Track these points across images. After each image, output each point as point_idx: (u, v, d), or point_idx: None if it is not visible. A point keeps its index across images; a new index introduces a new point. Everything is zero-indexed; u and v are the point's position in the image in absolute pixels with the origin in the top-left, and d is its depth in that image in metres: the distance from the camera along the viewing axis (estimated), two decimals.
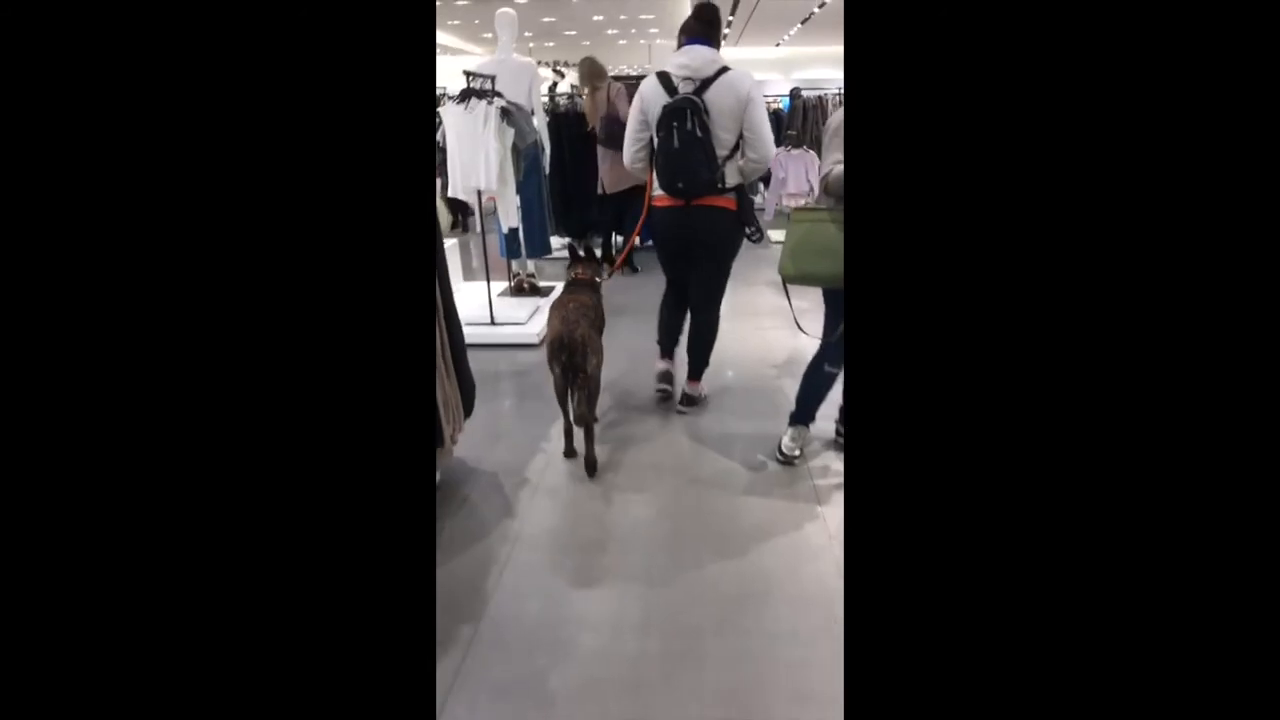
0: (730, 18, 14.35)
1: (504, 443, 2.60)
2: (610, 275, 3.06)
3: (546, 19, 16.12)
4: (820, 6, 13.17)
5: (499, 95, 3.57)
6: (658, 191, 2.50)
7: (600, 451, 2.48)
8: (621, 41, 20.81)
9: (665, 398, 2.87)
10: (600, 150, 4.84)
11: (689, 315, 2.77)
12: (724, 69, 2.36)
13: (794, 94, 7.75)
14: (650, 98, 2.41)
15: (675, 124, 2.32)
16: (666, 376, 2.90)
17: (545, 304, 4.09)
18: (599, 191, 5.03)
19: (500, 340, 3.67)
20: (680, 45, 2.43)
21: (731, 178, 2.45)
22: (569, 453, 2.47)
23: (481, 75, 3.72)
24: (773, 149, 2.50)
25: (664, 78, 2.39)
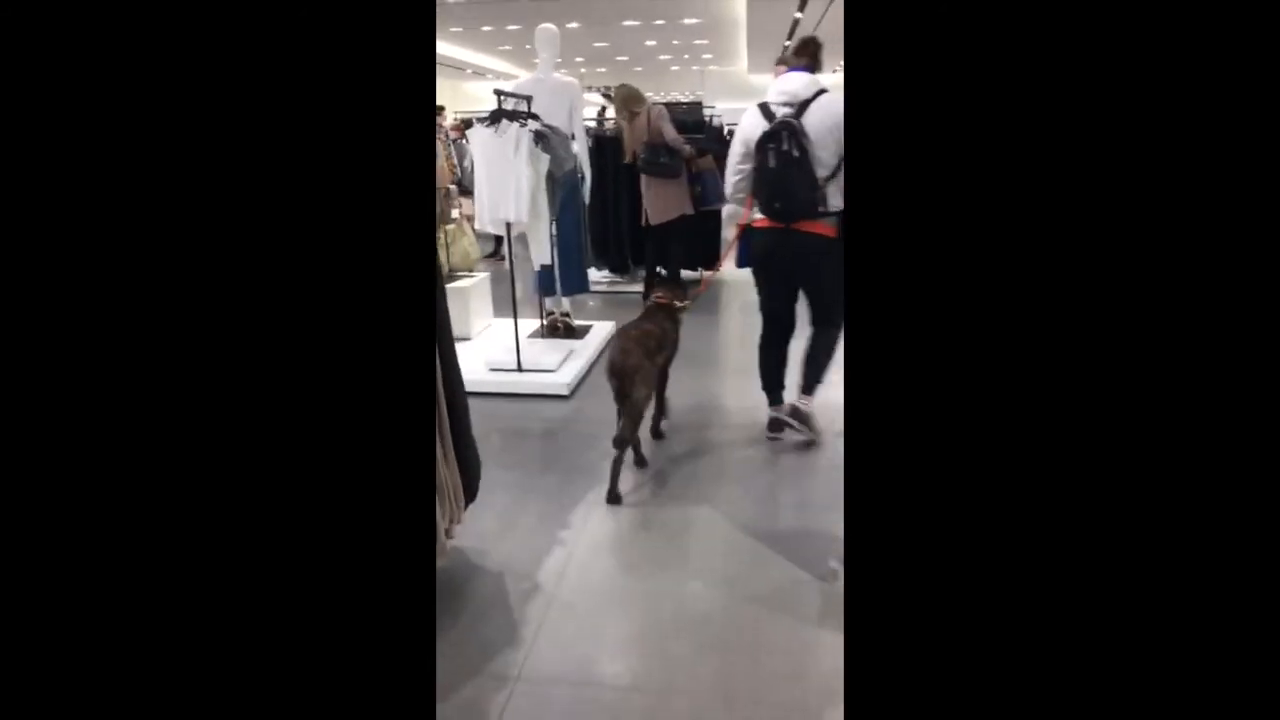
0: (787, 43, 13.99)
1: (516, 531, 2.16)
2: (693, 302, 2.90)
3: (598, 44, 16.01)
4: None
5: (534, 117, 3.19)
6: (757, 215, 2.49)
7: (633, 548, 2.06)
8: (674, 67, 20.61)
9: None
10: (644, 179, 4.45)
11: (811, 332, 2.61)
12: (821, 91, 2.35)
13: None
14: (750, 127, 2.43)
15: (771, 146, 2.32)
16: (777, 426, 2.68)
17: (580, 347, 3.67)
18: (642, 223, 4.63)
19: (526, 390, 3.25)
20: (778, 76, 2.48)
21: (834, 199, 2.37)
22: (639, 461, 2.46)
23: (516, 95, 3.36)
24: None
25: (763, 107, 2.41)
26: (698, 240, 4.91)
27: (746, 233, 2.57)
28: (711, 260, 5.30)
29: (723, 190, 5.12)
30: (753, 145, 2.40)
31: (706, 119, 5.92)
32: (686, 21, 13.98)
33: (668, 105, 5.11)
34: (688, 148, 4.37)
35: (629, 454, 2.54)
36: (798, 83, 2.36)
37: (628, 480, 2.44)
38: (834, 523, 2.11)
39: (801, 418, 2.61)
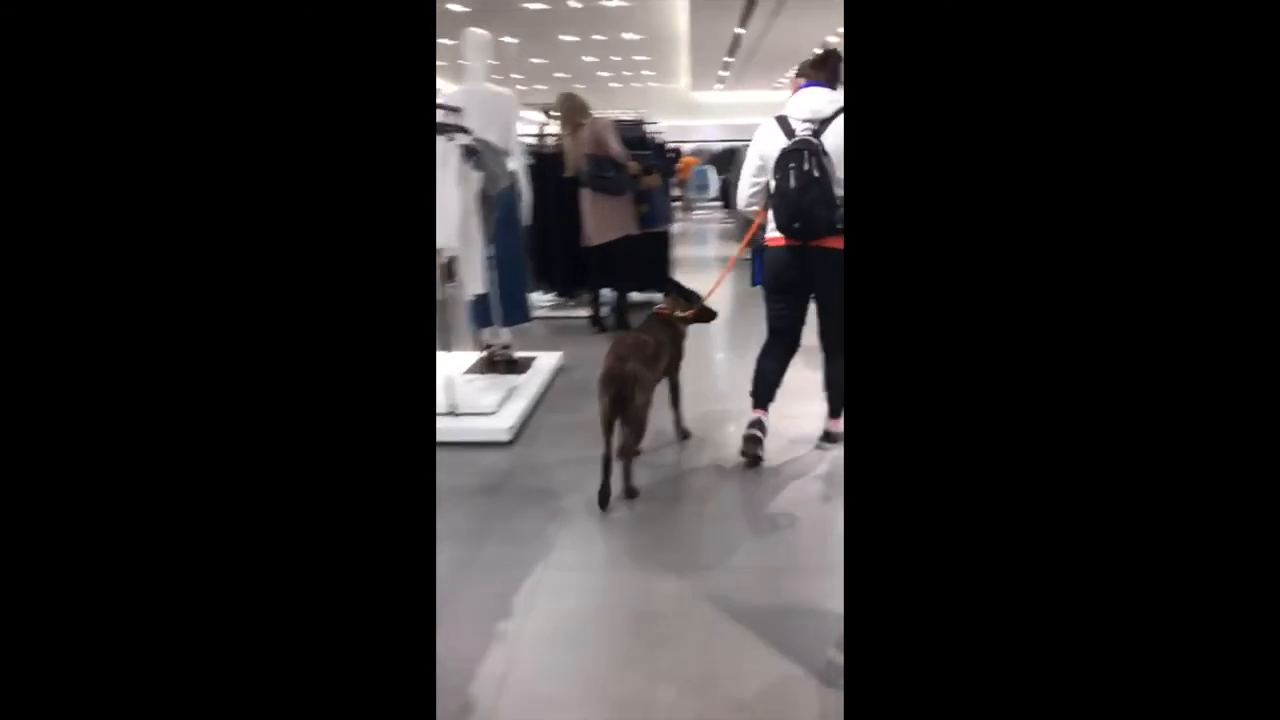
0: (729, 59, 13.97)
1: (443, 625, 1.77)
2: (690, 316, 2.69)
3: (536, 60, 15.72)
4: (820, 48, 12.83)
5: (464, 131, 2.85)
6: (774, 232, 2.45)
7: (589, 639, 1.71)
8: (615, 84, 20.47)
9: (754, 463, 2.54)
10: (585, 194, 4.15)
11: (824, 360, 2.62)
12: (843, 108, 2.32)
13: None
14: (767, 141, 2.40)
15: (792, 165, 2.28)
16: (758, 426, 2.56)
17: (523, 384, 3.31)
18: (583, 243, 4.31)
19: (460, 437, 2.86)
20: (796, 90, 2.43)
21: None
22: (604, 500, 2.25)
23: (444, 107, 3.01)
24: None
25: (782, 121, 2.37)
26: (642, 263, 4.60)
27: (760, 251, 2.54)
28: (656, 285, 5.00)
29: (669, 212, 4.88)
30: (770, 161, 2.37)
31: (648, 134, 5.67)
32: (626, 36, 13.83)
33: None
34: (634, 163, 4.10)
35: (595, 486, 2.21)
36: (819, 99, 2.34)
37: (580, 547, 2.10)
38: (829, 594, 1.81)
39: (835, 440, 2.70)
